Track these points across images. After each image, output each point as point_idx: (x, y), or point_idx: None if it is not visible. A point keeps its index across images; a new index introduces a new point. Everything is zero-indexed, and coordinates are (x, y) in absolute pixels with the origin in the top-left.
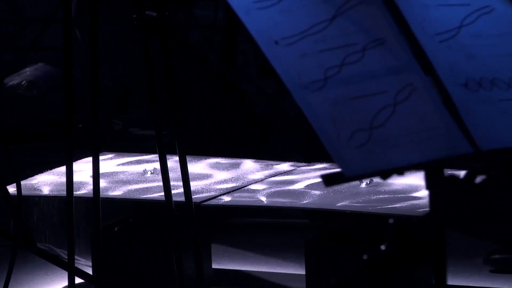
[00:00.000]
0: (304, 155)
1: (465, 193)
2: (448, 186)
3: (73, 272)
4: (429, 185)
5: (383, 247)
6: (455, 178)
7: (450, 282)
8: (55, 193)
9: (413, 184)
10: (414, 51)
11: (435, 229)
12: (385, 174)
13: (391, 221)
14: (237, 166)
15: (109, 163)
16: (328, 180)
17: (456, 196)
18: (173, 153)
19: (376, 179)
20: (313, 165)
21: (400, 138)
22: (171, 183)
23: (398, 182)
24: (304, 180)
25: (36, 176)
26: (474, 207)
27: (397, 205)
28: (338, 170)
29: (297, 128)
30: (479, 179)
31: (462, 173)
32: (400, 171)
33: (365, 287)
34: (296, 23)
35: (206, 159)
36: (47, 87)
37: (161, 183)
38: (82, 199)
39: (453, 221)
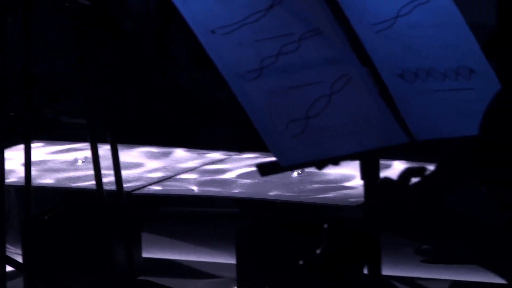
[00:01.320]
0: (236, 144)
1: (400, 195)
2: (383, 189)
3: (3, 260)
4: (364, 175)
5: (318, 251)
6: (390, 180)
7: (382, 272)
8: None
9: (345, 174)
10: (351, 42)
11: (370, 232)
12: (321, 164)
13: (325, 225)
14: (168, 154)
15: (40, 152)
16: (264, 170)
17: (391, 199)
18: (104, 141)
19: (309, 169)
20: (244, 154)
21: (335, 128)
22: (102, 171)
23: (330, 171)
24: (235, 169)
25: None
26: (409, 208)
27: (328, 195)
28: (273, 159)
29: (229, 117)
30: (414, 180)
31: (396, 175)
32: (336, 161)
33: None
34: (233, 12)
35: (137, 147)
36: None
37: (92, 172)
38: (13, 187)
39: (387, 223)
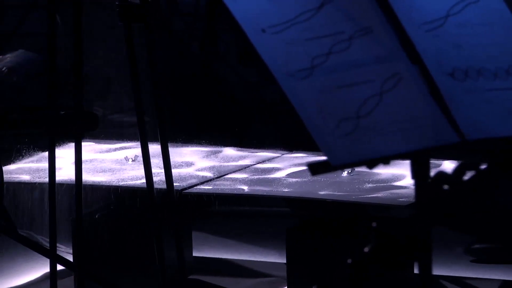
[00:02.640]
0: (286, 143)
1: (454, 189)
2: (437, 183)
3: (55, 259)
4: (414, 175)
5: (366, 250)
6: (444, 174)
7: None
8: (37, 180)
9: (396, 173)
10: (401, 40)
11: (421, 231)
12: (371, 163)
13: (374, 224)
14: (218, 153)
15: (90, 150)
16: (314, 169)
17: (445, 193)
18: (154, 140)
19: (359, 168)
20: (294, 153)
21: (386, 127)
22: (153, 170)
23: (381, 171)
24: (285, 168)
25: (17, 163)
26: (462, 203)
27: (379, 194)
28: (324, 159)
29: (279, 116)
30: (468, 175)
31: (451, 168)
32: (386, 160)
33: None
34: (283, 11)
35: (188, 146)
36: (28, 74)
37: (142, 170)
38: (64, 185)
39: (439, 218)
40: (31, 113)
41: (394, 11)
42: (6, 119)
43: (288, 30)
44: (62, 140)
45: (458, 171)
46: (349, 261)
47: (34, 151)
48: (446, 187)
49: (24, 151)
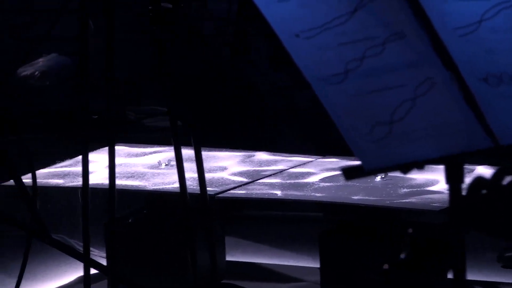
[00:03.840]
0: (319, 148)
1: (492, 194)
2: (475, 188)
3: (88, 263)
4: (448, 180)
5: (402, 256)
6: (482, 179)
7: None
8: (70, 184)
9: (430, 178)
10: (434, 45)
11: (454, 236)
12: (405, 168)
13: (410, 230)
14: (251, 158)
15: (124, 154)
16: (348, 174)
17: (481, 198)
18: (187, 144)
19: (393, 173)
20: (327, 158)
21: (420, 132)
22: (186, 174)
23: (414, 176)
24: (318, 173)
25: (50, 167)
26: (498, 208)
27: (412, 199)
28: (358, 163)
29: (311, 120)
30: (506, 180)
31: (488, 173)
32: (420, 165)
33: None
34: (316, 16)
35: (221, 151)
36: (60, 78)
37: (175, 175)
38: (97, 190)
39: (474, 224)
40: (63, 117)
41: (427, 16)
42: (38, 123)
43: (322, 34)
44: (96, 144)
45: (497, 176)
46: (386, 266)
47: (67, 155)
48: (483, 191)
49: (57, 155)
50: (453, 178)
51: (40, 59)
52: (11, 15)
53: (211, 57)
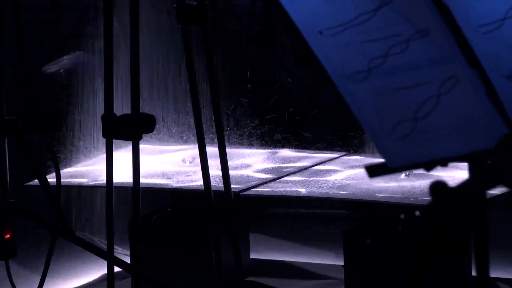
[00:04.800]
0: (343, 145)
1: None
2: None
3: (112, 261)
4: (472, 177)
5: (417, 213)
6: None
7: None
8: (94, 182)
9: (453, 176)
10: (458, 43)
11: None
12: (429, 165)
13: (402, 216)
14: (275, 155)
15: (148, 152)
16: (372, 171)
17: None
18: (212, 143)
19: (417, 171)
20: (351, 155)
21: (444, 129)
22: (210, 172)
23: (439, 173)
24: (343, 170)
25: (75, 165)
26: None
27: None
28: (381, 161)
29: (336, 118)
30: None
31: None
32: (444, 163)
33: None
34: (340, 13)
35: (245, 148)
36: (85, 76)
37: (200, 173)
38: (121, 188)
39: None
40: (89, 116)
41: (451, 13)
42: (64, 120)
43: (345, 32)
44: (120, 142)
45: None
46: (402, 216)
47: (91, 154)
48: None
49: (81, 153)
50: (478, 175)
51: (65, 57)
52: (36, 13)
53: (237, 54)
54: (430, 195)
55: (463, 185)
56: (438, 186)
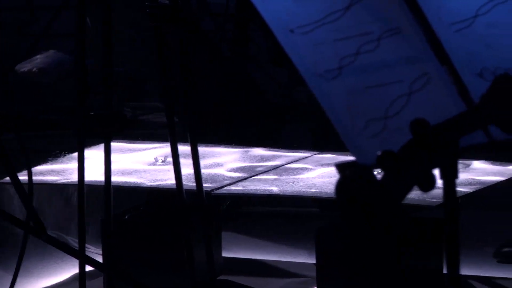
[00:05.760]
0: (316, 143)
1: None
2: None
3: (83, 260)
4: (443, 175)
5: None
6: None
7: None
8: (66, 181)
9: None
10: (430, 41)
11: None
12: None
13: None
14: (248, 154)
15: (120, 151)
16: (342, 170)
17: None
18: (184, 141)
19: None
20: (324, 153)
21: None
22: (183, 171)
23: None
24: (315, 168)
25: (46, 164)
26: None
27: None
28: (352, 159)
29: (309, 116)
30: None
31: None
32: None
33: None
34: (311, 11)
35: (217, 147)
36: (58, 74)
37: (172, 171)
38: (93, 186)
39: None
40: (61, 114)
41: (422, 11)
42: (36, 119)
43: (317, 30)
44: (92, 141)
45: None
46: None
47: (64, 152)
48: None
49: (53, 152)
50: (448, 173)
51: (38, 56)
52: (11, 12)
53: (210, 53)
54: (411, 132)
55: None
56: (419, 123)
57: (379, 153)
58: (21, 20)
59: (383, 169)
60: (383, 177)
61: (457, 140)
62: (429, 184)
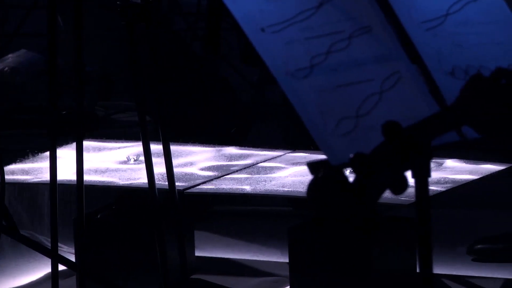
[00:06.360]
0: (288, 142)
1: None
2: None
3: (56, 259)
4: (415, 174)
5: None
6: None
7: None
8: (38, 180)
9: None
10: (401, 39)
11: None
12: None
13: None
14: (220, 153)
15: (92, 150)
16: (314, 168)
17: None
18: (156, 140)
19: None
20: (296, 152)
21: None
22: (155, 170)
23: None
24: (287, 167)
25: (19, 163)
26: None
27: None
28: (324, 158)
29: (281, 115)
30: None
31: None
32: None
33: None
34: (282, 10)
35: (189, 146)
36: (30, 74)
37: (144, 170)
38: (66, 185)
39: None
40: (33, 113)
41: (393, 10)
42: (8, 119)
43: (287, 29)
44: (64, 140)
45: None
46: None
47: (36, 151)
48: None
49: (25, 151)
50: (420, 172)
51: (10, 55)
52: None
53: (181, 52)
54: (383, 135)
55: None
56: (391, 125)
57: (351, 155)
58: None
59: (355, 171)
60: (355, 179)
61: (430, 142)
62: (401, 187)
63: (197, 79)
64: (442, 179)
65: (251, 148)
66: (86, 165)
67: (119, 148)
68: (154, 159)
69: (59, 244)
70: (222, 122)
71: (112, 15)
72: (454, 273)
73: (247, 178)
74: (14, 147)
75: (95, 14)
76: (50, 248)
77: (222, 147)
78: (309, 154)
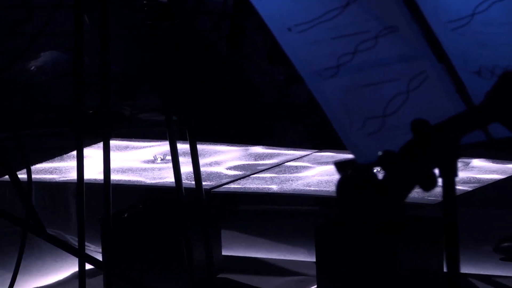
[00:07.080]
0: (314, 142)
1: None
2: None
3: (83, 258)
4: (442, 173)
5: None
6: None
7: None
8: (65, 179)
9: None
10: (427, 39)
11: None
12: None
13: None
14: (247, 152)
15: (119, 149)
16: (341, 168)
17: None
18: (183, 139)
19: None
20: (323, 151)
21: None
22: (182, 169)
23: None
24: (314, 167)
25: (46, 162)
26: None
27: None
28: (351, 157)
29: (306, 115)
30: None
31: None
32: None
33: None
34: (309, 10)
35: (216, 145)
36: (55, 73)
37: (171, 170)
38: (93, 185)
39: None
40: (59, 113)
41: (420, 10)
42: (34, 118)
43: (314, 28)
44: (91, 139)
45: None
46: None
47: (65, 150)
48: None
49: (52, 150)
50: (447, 171)
51: (41, 54)
52: (9, 11)
53: (207, 52)
54: (411, 132)
55: None
56: (420, 123)
57: (380, 153)
58: (16, 18)
59: (384, 169)
60: (384, 177)
61: (459, 139)
62: (431, 183)
63: (222, 79)
64: (469, 179)
65: (277, 148)
66: (112, 165)
67: (145, 147)
68: (180, 159)
69: (86, 243)
70: (250, 121)
71: (137, 15)
72: (481, 272)
73: (273, 177)
74: (40, 147)
75: (121, 13)
76: (77, 247)
77: (250, 146)
78: (335, 154)
